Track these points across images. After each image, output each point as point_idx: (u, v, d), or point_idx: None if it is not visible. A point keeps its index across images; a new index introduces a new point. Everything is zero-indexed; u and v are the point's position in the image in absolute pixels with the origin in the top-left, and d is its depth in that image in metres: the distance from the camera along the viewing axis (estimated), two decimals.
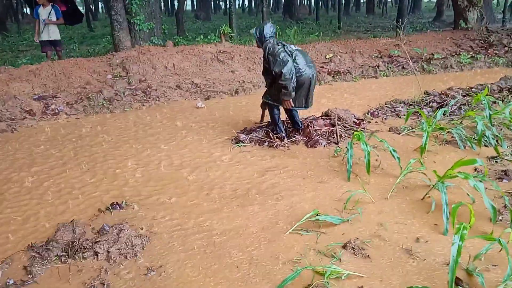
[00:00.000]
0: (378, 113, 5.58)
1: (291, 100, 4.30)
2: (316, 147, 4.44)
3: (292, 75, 4.14)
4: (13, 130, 5.17)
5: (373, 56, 9.11)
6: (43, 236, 2.91)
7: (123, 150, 4.57)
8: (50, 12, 8.45)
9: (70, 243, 2.71)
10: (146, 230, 2.93)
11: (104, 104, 6.14)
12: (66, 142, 4.83)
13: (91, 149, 4.60)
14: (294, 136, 4.65)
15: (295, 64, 4.23)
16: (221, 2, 53.00)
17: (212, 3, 42.51)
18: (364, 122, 5.21)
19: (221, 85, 7.28)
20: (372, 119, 5.41)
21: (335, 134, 4.69)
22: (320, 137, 4.61)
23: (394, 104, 5.95)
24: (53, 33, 8.57)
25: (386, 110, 5.71)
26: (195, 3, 37.63)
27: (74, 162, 4.25)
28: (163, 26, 12.04)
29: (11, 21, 27.91)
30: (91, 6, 31.34)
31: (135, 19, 8.98)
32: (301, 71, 4.26)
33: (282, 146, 4.48)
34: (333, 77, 8.09)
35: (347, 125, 4.95)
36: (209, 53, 8.28)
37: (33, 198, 3.51)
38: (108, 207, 3.25)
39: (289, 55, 4.22)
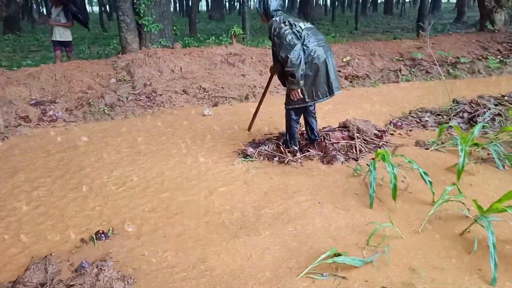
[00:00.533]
0: (402, 124, 5.05)
1: (299, 90, 3.73)
2: (333, 164, 3.95)
3: (300, 60, 3.56)
4: (4, 138, 4.81)
5: (394, 59, 8.55)
6: (14, 273, 2.49)
7: (118, 164, 4.15)
8: (59, 13, 8.17)
9: (40, 286, 2.28)
10: (132, 268, 2.49)
11: (106, 111, 5.75)
12: (58, 153, 4.44)
13: (83, 163, 4.19)
14: (308, 151, 4.17)
15: (304, 47, 3.65)
16: (235, 3, 52.72)
17: (227, 3, 42.19)
18: (386, 134, 4.69)
19: (231, 90, 6.84)
20: (395, 131, 4.89)
21: (354, 149, 4.19)
22: (338, 152, 4.12)
23: (420, 113, 5.40)
24: (63, 34, 8.25)
25: (411, 120, 5.18)
26: (209, 4, 37.37)
27: (61, 178, 3.83)
28: (174, 27, 11.68)
29: (26, 21, 27.79)
30: (106, 6, 31.35)
31: (143, 20, 8.61)
32: (312, 54, 3.67)
33: (294, 161, 4.00)
34: (350, 82, 7.57)
35: (367, 138, 4.44)
36: (219, 55, 7.84)
37: (5, 223, 3.11)
38: (92, 236, 2.82)
39: (297, 38, 3.63)
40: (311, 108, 4.15)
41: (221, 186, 3.58)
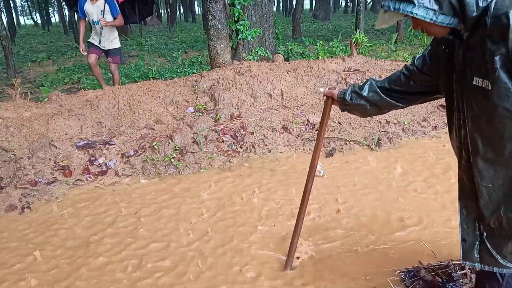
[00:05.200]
0: None
1: None
2: None
3: None
4: (25, 207, 3.33)
5: None
6: None
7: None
8: (103, 9, 5.70)
9: None
10: None
11: (172, 161, 4.03)
12: (80, 245, 2.79)
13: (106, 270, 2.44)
14: None
15: None
16: (341, 0, 49.72)
17: (332, 0, 39.52)
18: None
19: (351, 128, 4.68)
20: None
21: None
22: None
23: None
24: (107, 39, 5.86)
25: None
26: (313, 2, 35.17)
27: None
28: (276, 30, 9.87)
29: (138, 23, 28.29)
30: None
31: (238, 25, 6.86)
32: None
33: None
34: None
35: None
36: (333, 72, 5.71)
37: None
38: None
39: None
40: None
41: None
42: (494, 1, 1.24)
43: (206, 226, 2.99)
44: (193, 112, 4.87)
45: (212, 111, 4.90)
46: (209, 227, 2.97)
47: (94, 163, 3.96)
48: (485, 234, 1.47)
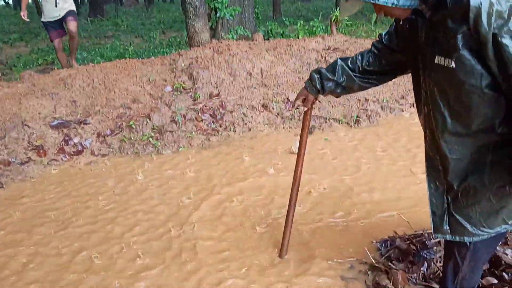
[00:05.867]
0: None
1: None
2: None
3: None
4: None
5: None
6: None
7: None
8: None
9: None
10: None
11: (150, 140, 3.97)
12: (53, 225, 2.74)
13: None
14: None
15: None
16: None
17: None
18: None
19: (331, 106, 4.69)
20: None
21: None
22: None
23: None
24: (62, 5, 5.64)
25: None
26: None
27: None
28: (256, 10, 9.74)
29: (115, 3, 27.33)
30: None
31: (215, 3, 6.73)
32: None
33: None
34: None
35: None
36: (313, 51, 5.68)
37: None
38: None
39: None
40: None
41: None
42: None
43: (188, 206, 2.97)
44: (171, 91, 4.78)
45: (191, 90, 4.82)
46: (191, 207, 2.95)
47: (69, 142, 3.86)
48: (452, 206, 1.49)
